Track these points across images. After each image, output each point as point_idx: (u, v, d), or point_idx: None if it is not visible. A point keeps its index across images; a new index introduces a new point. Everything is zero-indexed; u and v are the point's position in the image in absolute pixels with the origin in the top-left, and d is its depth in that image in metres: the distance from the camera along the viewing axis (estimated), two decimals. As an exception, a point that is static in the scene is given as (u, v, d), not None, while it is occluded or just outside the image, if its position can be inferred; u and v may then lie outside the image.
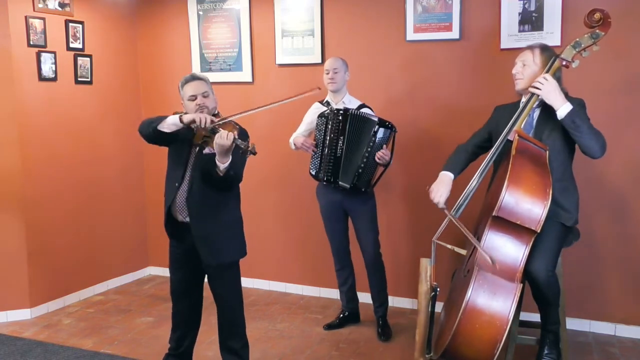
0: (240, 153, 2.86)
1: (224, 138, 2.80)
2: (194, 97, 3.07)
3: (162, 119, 3.01)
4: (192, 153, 3.09)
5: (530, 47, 3.16)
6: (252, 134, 4.77)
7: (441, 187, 3.15)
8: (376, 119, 3.74)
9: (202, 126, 2.90)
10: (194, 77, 3.15)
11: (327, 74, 3.91)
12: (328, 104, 3.98)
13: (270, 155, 4.86)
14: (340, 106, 3.89)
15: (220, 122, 2.98)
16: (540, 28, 3.95)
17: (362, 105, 3.95)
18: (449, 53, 4.23)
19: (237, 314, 3.27)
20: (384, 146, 3.76)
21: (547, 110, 3.00)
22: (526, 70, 3.11)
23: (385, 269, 4.06)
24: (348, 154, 3.80)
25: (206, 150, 2.99)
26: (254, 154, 2.83)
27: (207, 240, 3.09)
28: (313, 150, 3.92)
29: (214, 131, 2.90)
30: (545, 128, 3.05)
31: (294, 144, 4.05)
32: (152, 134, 3.03)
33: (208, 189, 3.03)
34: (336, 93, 3.96)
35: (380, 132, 3.74)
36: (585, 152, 2.96)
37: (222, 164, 2.87)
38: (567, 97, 3.04)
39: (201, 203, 3.05)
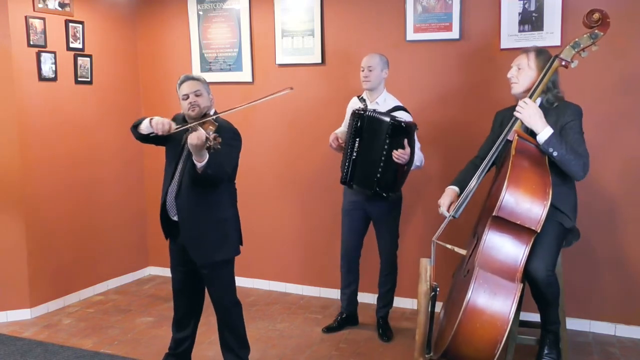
0: (206, 149, 2.83)
1: (193, 138, 2.79)
2: (186, 96, 3.12)
3: (141, 121, 3.15)
4: (184, 152, 3.12)
5: (525, 51, 3.17)
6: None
7: (446, 199, 3.22)
8: (388, 120, 3.61)
9: (159, 133, 3.00)
10: (188, 78, 3.19)
11: (362, 71, 3.83)
12: (363, 100, 3.92)
13: (271, 156, 4.87)
14: (374, 106, 3.83)
15: (182, 128, 3.02)
16: (540, 28, 3.95)
17: (398, 107, 3.82)
18: (449, 53, 4.23)
19: (232, 315, 3.27)
20: (404, 145, 3.58)
21: None
22: (521, 74, 3.12)
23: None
24: (364, 158, 3.74)
25: None
26: (215, 149, 2.78)
27: (194, 239, 3.11)
28: (337, 148, 3.90)
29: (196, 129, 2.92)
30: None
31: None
32: (136, 135, 3.20)
33: (197, 188, 3.04)
34: (372, 92, 3.87)
35: (395, 133, 3.60)
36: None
37: (199, 163, 2.87)
38: (563, 101, 3.04)
39: (189, 202, 3.08)
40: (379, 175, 3.67)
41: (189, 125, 3.02)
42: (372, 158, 3.69)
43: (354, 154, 3.77)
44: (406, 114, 3.81)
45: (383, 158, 3.64)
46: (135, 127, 3.20)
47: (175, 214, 3.14)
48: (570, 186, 3.09)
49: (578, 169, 2.93)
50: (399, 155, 3.57)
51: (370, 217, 3.97)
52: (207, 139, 2.74)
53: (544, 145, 2.90)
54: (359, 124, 3.74)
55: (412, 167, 3.70)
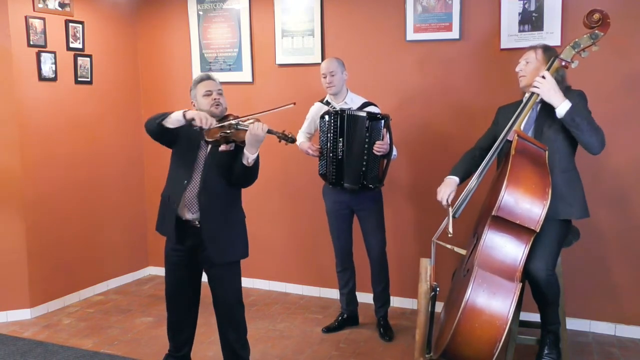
0: (279, 141, 2.97)
1: (259, 129, 2.90)
2: (209, 92, 3.14)
3: (167, 114, 3.03)
4: (202, 151, 3.13)
5: (533, 47, 3.20)
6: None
7: (446, 188, 3.19)
8: (364, 114, 3.70)
9: (204, 126, 2.95)
10: (209, 77, 3.24)
11: (325, 77, 3.86)
12: (328, 103, 3.95)
13: (272, 156, 4.86)
14: (343, 106, 3.87)
15: (226, 123, 3.03)
16: (540, 28, 3.95)
17: (367, 104, 3.90)
18: (449, 53, 4.23)
19: (236, 315, 3.27)
20: (383, 135, 3.68)
21: (548, 105, 3.00)
22: (529, 67, 3.14)
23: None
24: (349, 155, 3.78)
25: (223, 148, 3.02)
26: (293, 140, 2.96)
27: (216, 237, 3.10)
28: (319, 155, 3.92)
29: (237, 127, 2.99)
30: (545, 122, 3.06)
31: (301, 148, 4.05)
32: (156, 129, 3.05)
33: (222, 186, 3.08)
34: (337, 95, 3.91)
35: (373, 126, 3.68)
36: (585, 148, 2.99)
37: (252, 155, 2.96)
38: (569, 90, 3.05)
39: (213, 199, 3.08)
40: (364, 169, 3.73)
41: (231, 122, 3.03)
42: (356, 154, 3.75)
43: (340, 154, 3.80)
44: (376, 108, 3.89)
45: (366, 152, 3.71)
46: (156, 120, 3.03)
47: (196, 211, 3.08)
48: (575, 172, 3.10)
49: (599, 142, 2.94)
50: (379, 147, 3.66)
51: (356, 214, 3.99)
52: (278, 132, 2.95)
53: (566, 115, 2.89)
54: (340, 124, 3.78)
55: (391, 158, 3.78)
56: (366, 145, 3.71)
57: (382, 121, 3.69)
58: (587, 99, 3.06)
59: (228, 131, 2.99)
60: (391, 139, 3.74)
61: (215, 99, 3.13)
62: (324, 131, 3.86)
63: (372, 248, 3.99)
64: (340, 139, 3.79)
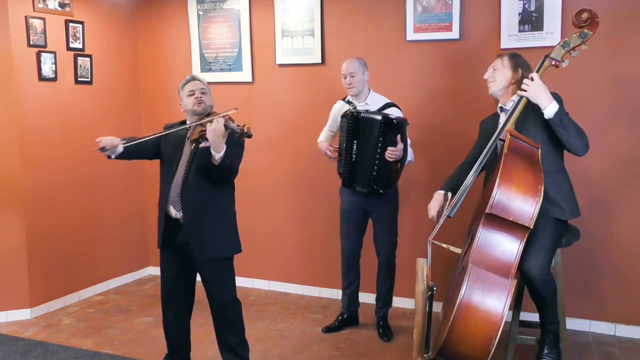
0: (236, 137, 2.92)
1: (214, 123, 2.90)
2: (192, 92, 3.21)
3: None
4: (185, 150, 3.18)
5: (500, 55, 3.24)
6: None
7: (434, 204, 3.29)
8: (379, 117, 3.64)
9: (110, 148, 3.19)
10: (194, 78, 3.31)
11: (345, 78, 3.82)
12: (350, 102, 3.91)
13: (272, 156, 4.87)
14: (363, 107, 3.83)
15: (204, 121, 3.07)
16: (540, 28, 3.95)
17: (388, 105, 3.84)
18: (449, 53, 4.23)
19: (233, 313, 3.27)
20: (396, 141, 3.62)
21: (526, 108, 3.02)
22: (496, 73, 3.18)
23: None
24: (362, 158, 3.74)
25: (202, 144, 3.04)
26: (249, 136, 2.88)
27: (199, 233, 3.12)
28: (336, 157, 3.89)
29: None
30: (524, 125, 3.07)
31: (319, 147, 4.04)
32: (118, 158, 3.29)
33: (204, 183, 3.09)
34: (358, 96, 3.87)
35: (387, 130, 3.62)
36: (569, 150, 3.01)
37: (218, 153, 2.94)
38: None
39: (196, 196, 3.11)
40: (374, 173, 3.69)
41: (193, 124, 3.10)
42: (368, 157, 3.71)
43: (354, 157, 3.77)
44: (397, 109, 3.84)
45: (378, 156, 3.67)
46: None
47: (180, 209, 3.12)
48: (561, 173, 3.10)
49: (583, 144, 2.97)
50: (391, 153, 3.61)
51: (369, 216, 3.97)
52: (226, 123, 2.89)
53: (555, 116, 2.90)
54: (355, 126, 3.74)
55: (406, 162, 3.73)
56: (378, 150, 3.65)
57: (398, 126, 3.62)
58: (562, 101, 3.05)
59: (203, 129, 3.02)
60: (406, 143, 3.67)
61: (197, 97, 3.19)
62: (343, 131, 3.82)
63: (382, 250, 3.98)
64: (355, 141, 3.76)
